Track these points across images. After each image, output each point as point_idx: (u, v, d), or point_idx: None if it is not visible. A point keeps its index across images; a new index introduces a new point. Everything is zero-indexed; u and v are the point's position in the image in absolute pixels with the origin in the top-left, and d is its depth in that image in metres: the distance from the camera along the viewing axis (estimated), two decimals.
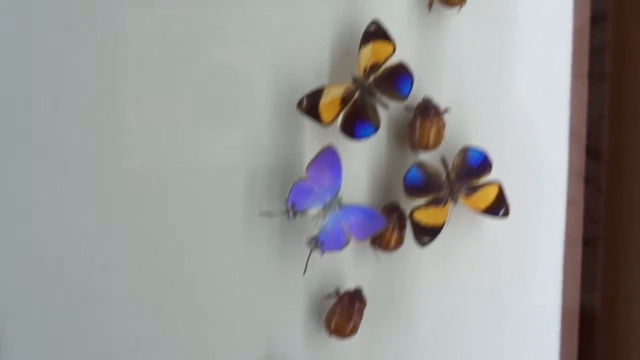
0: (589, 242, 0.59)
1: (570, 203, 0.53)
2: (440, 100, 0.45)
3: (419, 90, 0.45)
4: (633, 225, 0.60)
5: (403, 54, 0.44)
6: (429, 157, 0.46)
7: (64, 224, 0.43)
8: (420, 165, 0.45)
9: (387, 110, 0.44)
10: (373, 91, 0.44)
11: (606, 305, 0.64)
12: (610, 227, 0.63)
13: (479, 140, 0.47)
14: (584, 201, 0.57)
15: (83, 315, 0.44)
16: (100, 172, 0.43)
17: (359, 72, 0.43)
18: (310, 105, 0.43)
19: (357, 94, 0.44)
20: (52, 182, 0.43)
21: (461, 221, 0.46)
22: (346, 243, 0.43)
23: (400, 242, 0.45)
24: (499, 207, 0.46)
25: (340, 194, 0.43)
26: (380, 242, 0.45)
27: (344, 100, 0.43)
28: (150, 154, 0.44)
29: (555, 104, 0.51)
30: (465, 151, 0.45)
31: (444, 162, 0.45)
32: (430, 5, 0.45)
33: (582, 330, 0.56)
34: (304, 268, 0.44)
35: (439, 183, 0.45)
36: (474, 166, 0.45)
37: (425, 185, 0.45)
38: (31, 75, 0.42)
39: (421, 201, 0.45)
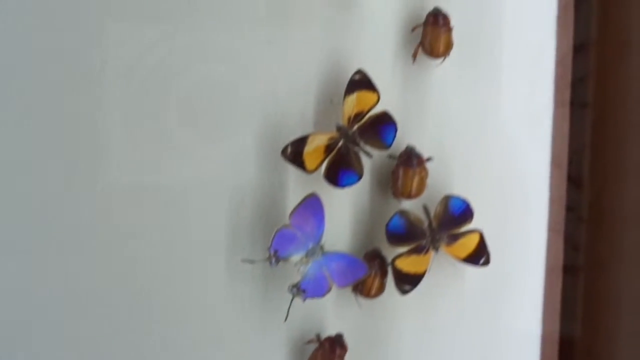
0: (569, 270, 0.60)
1: (551, 230, 0.54)
2: (424, 148, 0.45)
3: (403, 138, 0.45)
4: (614, 254, 0.60)
5: (387, 102, 0.44)
6: (411, 205, 0.46)
7: (45, 238, 0.42)
8: (403, 214, 0.45)
9: (371, 159, 0.45)
10: (357, 140, 0.44)
11: (586, 333, 0.64)
12: (591, 255, 0.63)
13: (461, 173, 0.47)
14: (566, 229, 0.58)
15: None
16: (84, 187, 0.42)
17: (343, 121, 0.44)
18: (295, 153, 0.43)
19: (341, 143, 0.44)
20: (35, 195, 0.42)
21: (443, 269, 0.47)
22: (328, 290, 0.44)
23: (381, 289, 0.45)
24: (479, 256, 0.46)
25: (323, 240, 0.44)
26: (362, 288, 0.45)
27: (328, 149, 0.44)
28: (133, 173, 0.43)
29: (537, 132, 0.52)
30: (447, 199, 0.46)
31: (426, 210, 0.46)
32: (414, 56, 0.46)
33: (561, 359, 0.57)
34: (285, 314, 0.44)
35: (421, 231, 0.45)
36: (455, 214, 0.46)
37: (407, 234, 0.45)
38: (15, 91, 0.41)
39: (403, 249, 0.45)
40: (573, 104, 0.58)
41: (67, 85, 0.41)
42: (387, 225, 0.45)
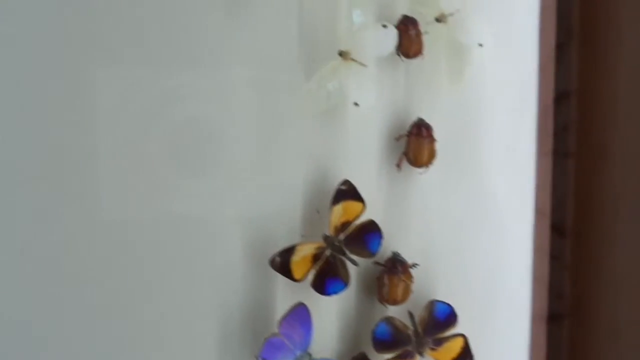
0: (554, 318, 0.60)
1: (535, 279, 0.55)
2: (409, 254, 0.46)
3: (388, 245, 0.46)
4: (599, 302, 0.61)
5: (373, 211, 0.45)
6: (396, 310, 0.47)
7: (29, 271, 0.41)
8: (388, 320, 0.46)
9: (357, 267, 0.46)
10: (343, 249, 0.45)
11: None
12: (576, 304, 0.64)
13: (445, 276, 0.48)
14: (550, 277, 0.59)
15: None
16: (71, 223, 0.42)
17: (330, 230, 0.45)
18: (282, 263, 0.44)
19: (327, 252, 0.45)
20: (22, 229, 0.42)
21: None
22: None
23: None
24: (464, 359, 0.47)
25: (311, 348, 0.44)
26: None
27: (315, 258, 0.45)
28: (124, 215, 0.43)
29: (520, 181, 0.53)
30: (432, 305, 0.47)
31: (411, 316, 0.47)
32: (398, 165, 0.47)
33: None
34: None
35: (406, 337, 0.46)
36: (440, 319, 0.47)
37: (393, 340, 0.46)
38: (1, 130, 0.41)
39: (389, 355, 0.46)
40: (556, 153, 0.59)
41: (54, 126, 0.41)
42: (373, 332, 0.45)
